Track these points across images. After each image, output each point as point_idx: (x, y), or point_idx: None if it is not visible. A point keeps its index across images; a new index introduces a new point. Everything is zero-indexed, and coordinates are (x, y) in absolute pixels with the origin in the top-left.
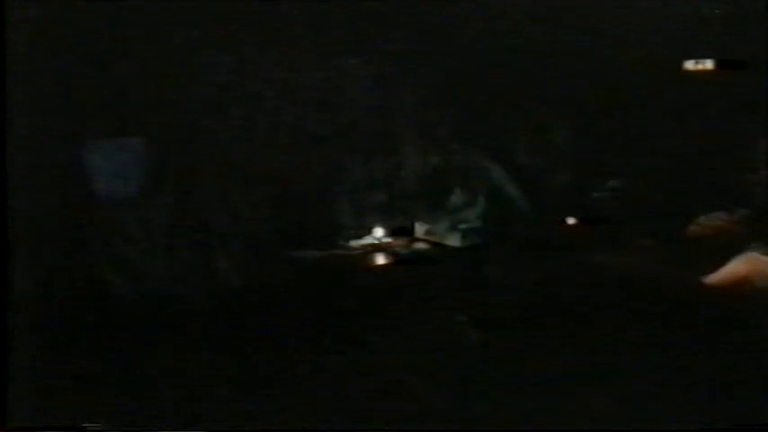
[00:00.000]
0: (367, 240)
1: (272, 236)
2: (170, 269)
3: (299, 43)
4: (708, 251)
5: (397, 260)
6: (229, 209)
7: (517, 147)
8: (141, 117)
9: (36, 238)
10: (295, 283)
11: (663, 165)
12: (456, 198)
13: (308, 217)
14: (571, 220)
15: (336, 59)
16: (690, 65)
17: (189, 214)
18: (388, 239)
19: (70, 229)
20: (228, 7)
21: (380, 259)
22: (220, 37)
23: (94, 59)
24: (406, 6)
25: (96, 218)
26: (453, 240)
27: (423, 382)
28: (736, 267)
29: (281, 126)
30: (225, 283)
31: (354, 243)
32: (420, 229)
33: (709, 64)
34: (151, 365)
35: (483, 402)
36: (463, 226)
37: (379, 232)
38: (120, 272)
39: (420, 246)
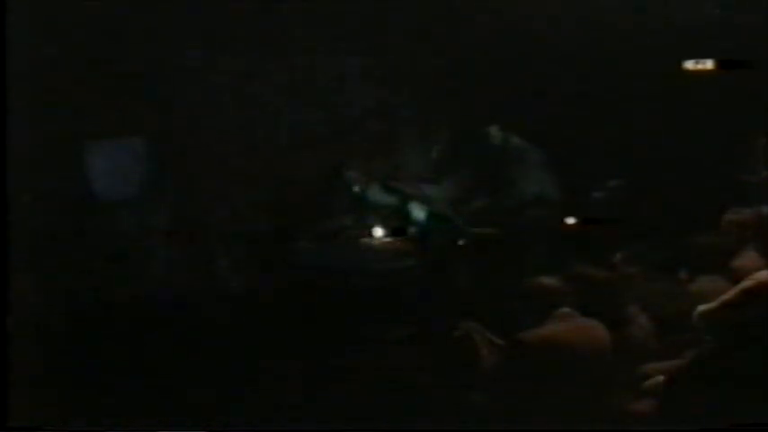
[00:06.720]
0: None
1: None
2: (169, 269)
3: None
4: None
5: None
6: (229, 208)
7: (516, 144)
8: (142, 116)
9: (36, 239)
10: (294, 282)
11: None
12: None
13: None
14: (571, 220)
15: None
16: (690, 65)
17: (189, 213)
18: (388, 239)
19: (70, 229)
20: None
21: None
22: (221, 37)
23: (95, 60)
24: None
25: (96, 217)
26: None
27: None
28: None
29: (281, 126)
30: (224, 284)
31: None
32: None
33: (709, 64)
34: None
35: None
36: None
37: (378, 232)
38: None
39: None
